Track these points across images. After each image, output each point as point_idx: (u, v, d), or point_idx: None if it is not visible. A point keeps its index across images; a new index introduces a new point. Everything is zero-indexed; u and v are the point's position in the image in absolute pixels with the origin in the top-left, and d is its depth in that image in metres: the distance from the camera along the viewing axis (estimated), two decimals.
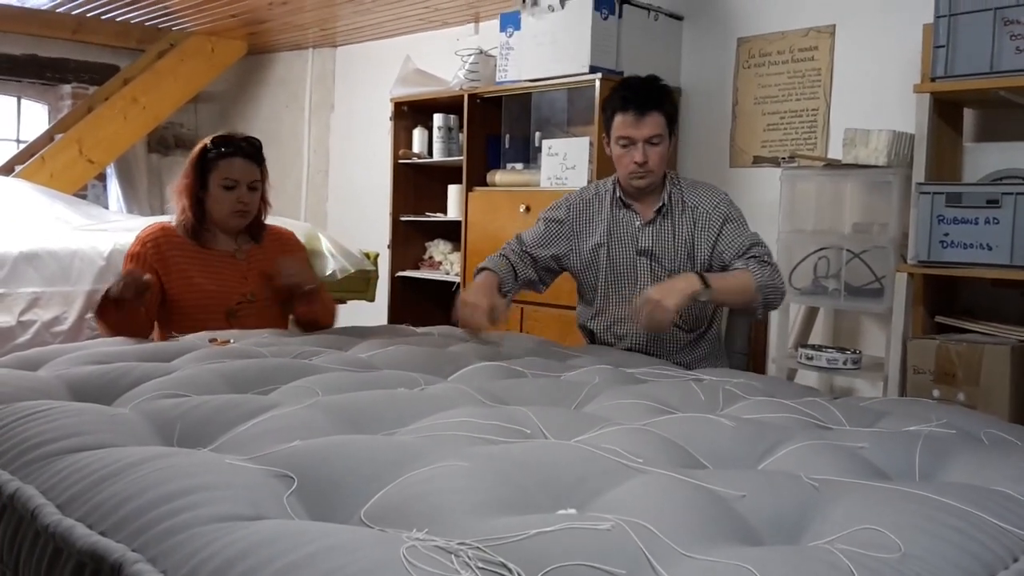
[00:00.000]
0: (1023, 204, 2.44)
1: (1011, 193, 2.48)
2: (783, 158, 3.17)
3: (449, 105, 4.12)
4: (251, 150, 2.50)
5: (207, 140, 2.50)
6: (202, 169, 2.45)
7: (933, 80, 2.65)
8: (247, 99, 5.96)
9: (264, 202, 2.57)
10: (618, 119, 2.32)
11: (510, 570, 0.83)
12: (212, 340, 2.08)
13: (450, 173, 4.16)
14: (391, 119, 4.33)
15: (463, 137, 3.98)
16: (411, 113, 4.33)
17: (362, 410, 1.38)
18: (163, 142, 6.13)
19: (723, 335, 2.58)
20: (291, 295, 2.49)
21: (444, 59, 4.30)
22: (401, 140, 4.32)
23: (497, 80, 3.82)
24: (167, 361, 1.82)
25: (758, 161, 3.38)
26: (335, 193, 5.49)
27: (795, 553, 0.90)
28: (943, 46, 2.59)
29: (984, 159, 2.81)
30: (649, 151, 2.30)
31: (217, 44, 5.51)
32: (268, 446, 1.17)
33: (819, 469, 1.19)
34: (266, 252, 2.55)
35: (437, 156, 4.21)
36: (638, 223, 2.40)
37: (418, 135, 4.30)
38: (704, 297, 2.15)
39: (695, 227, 2.37)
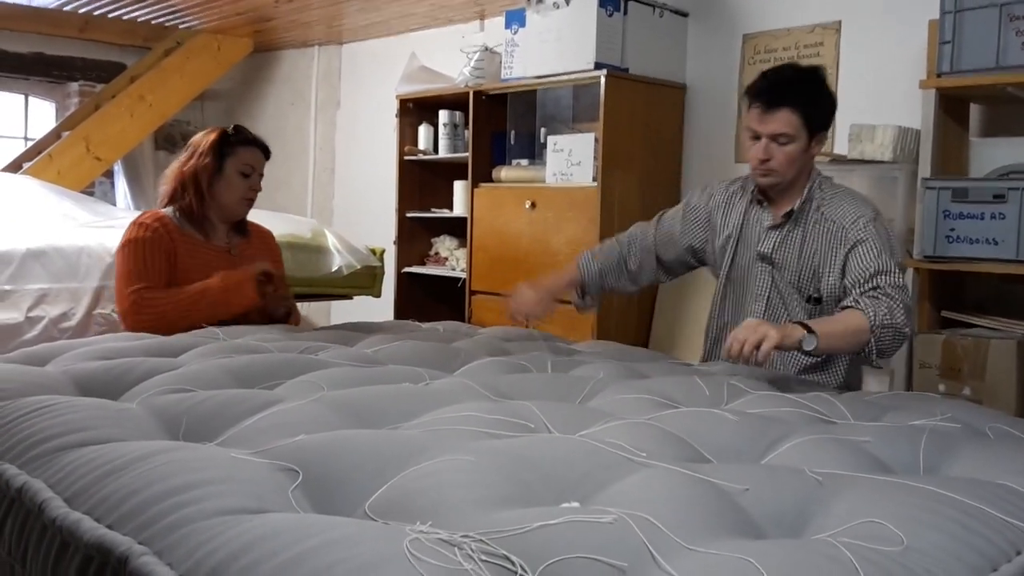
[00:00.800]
0: None
1: (1017, 188, 2.47)
2: None
3: (455, 102, 4.12)
4: (263, 144, 2.58)
5: (225, 128, 2.51)
6: (221, 153, 2.45)
7: (939, 76, 2.64)
8: (253, 97, 5.97)
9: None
10: (748, 111, 2.13)
11: (513, 563, 0.83)
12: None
13: (456, 170, 4.16)
14: (397, 116, 4.34)
15: (468, 134, 3.99)
16: (417, 110, 4.33)
17: (367, 405, 1.39)
18: (170, 139, 6.14)
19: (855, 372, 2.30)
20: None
21: (450, 56, 4.30)
22: (407, 137, 4.33)
23: (502, 77, 3.82)
24: (174, 356, 1.83)
25: None
26: (341, 190, 5.50)
27: (797, 546, 0.90)
28: (949, 42, 2.59)
29: (990, 154, 2.80)
30: (774, 149, 2.08)
31: (223, 42, 5.52)
32: (273, 440, 1.17)
33: (823, 463, 1.19)
34: (253, 247, 2.58)
35: (443, 153, 4.21)
36: (767, 223, 2.19)
37: (424, 132, 4.31)
38: (809, 347, 1.84)
39: (828, 244, 2.09)
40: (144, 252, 2.33)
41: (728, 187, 2.31)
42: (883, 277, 1.98)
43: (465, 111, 4.01)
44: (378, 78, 5.13)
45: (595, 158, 3.45)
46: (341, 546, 0.83)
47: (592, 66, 3.42)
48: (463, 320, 3.83)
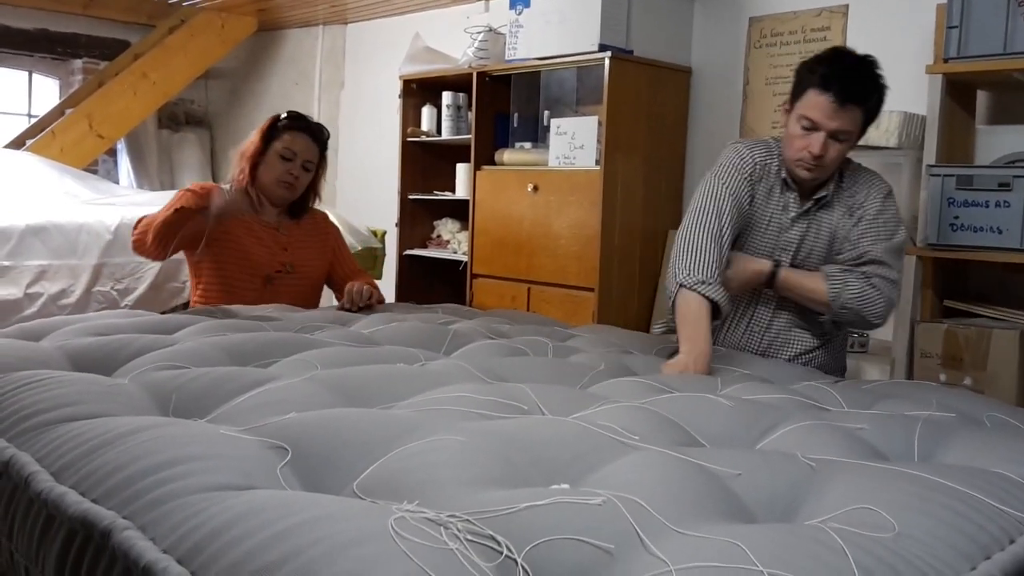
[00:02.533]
0: None
1: (1023, 176, 2.45)
2: None
3: (458, 83, 4.10)
4: (318, 132, 2.61)
5: (281, 113, 2.62)
6: (269, 136, 2.55)
7: (946, 61, 2.61)
8: (257, 76, 5.95)
9: (313, 191, 2.65)
10: (810, 96, 1.90)
11: (498, 543, 0.83)
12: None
13: (459, 152, 4.14)
14: (400, 97, 4.31)
15: (472, 115, 3.96)
16: (420, 91, 4.31)
17: (360, 384, 1.38)
18: (173, 118, 6.13)
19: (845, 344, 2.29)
20: (327, 269, 2.65)
21: (454, 37, 4.27)
22: (410, 118, 4.30)
23: (506, 58, 3.79)
24: (169, 333, 1.82)
25: None
26: (344, 171, 5.48)
27: (787, 531, 0.89)
28: (956, 27, 2.56)
29: (996, 142, 2.78)
30: (831, 146, 1.92)
31: (227, 20, 5.50)
32: (264, 418, 1.17)
33: (817, 449, 1.18)
34: (304, 231, 2.63)
35: (446, 134, 4.19)
36: (793, 212, 2.04)
37: (427, 113, 4.28)
38: (763, 280, 1.93)
39: (844, 219, 2.03)
40: (181, 197, 2.37)
41: (753, 157, 2.06)
42: (874, 267, 1.96)
43: (469, 92, 3.99)
44: (382, 59, 5.10)
45: (598, 141, 3.43)
46: (325, 523, 0.82)
47: (596, 48, 3.39)
48: (464, 303, 3.82)
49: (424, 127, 4.29)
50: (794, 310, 2.10)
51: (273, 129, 2.55)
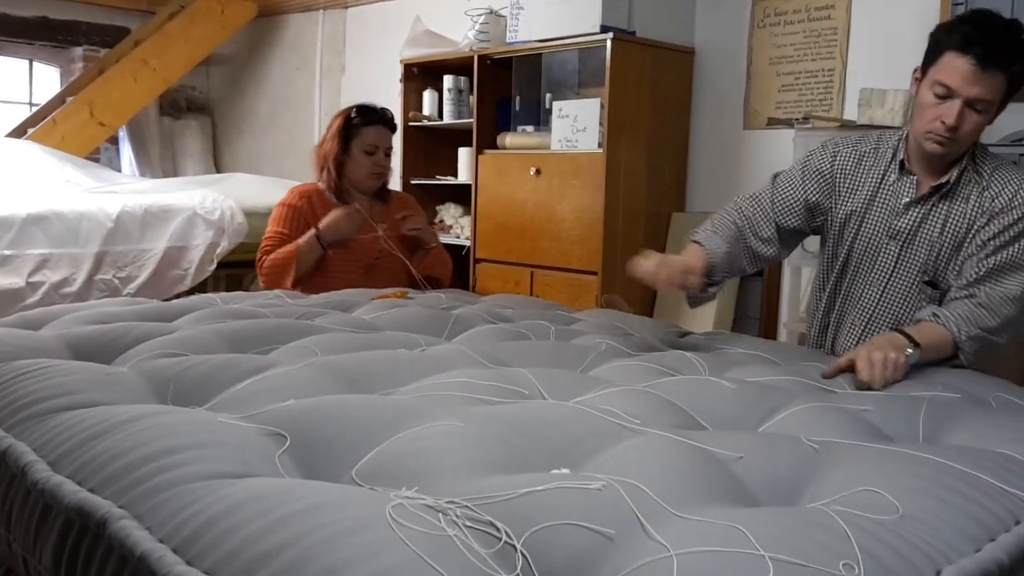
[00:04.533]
0: None
1: None
2: (797, 119, 3.11)
3: (459, 67, 4.07)
4: (390, 119, 2.78)
5: (350, 109, 2.75)
6: (346, 136, 2.70)
7: None
8: (258, 62, 5.92)
9: (390, 168, 2.81)
10: (948, 59, 1.70)
11: (498, 529, 0.82)
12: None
13: (460, 136, 4.12)
14: (401, 81, 4.29)
15: (473, 99, 3.94)
16: (421, 75, 4.28)
17: (360, 370, 1.37)
18: (175, 105, 6.11)
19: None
20: (415, 249, 2.78)
21: (454, 20, 4.24)
22: (411, 103, 4.28)
23: (507, 40, 3.76)
24: (169, 321, 1.82)
25: (772, 123, 3.33)
26: None
27: (790, 514, 0.88)
28: (961, 4, 2.53)
29: (1003, 120, 2.74)
30: (968, 116, 1.71)
31: (227, 6, 5.46)
32: (263, 405, 1.16)
33: (820, 432, 1.17)
34: (392, 213, 2.77)
35: (447, 119, 4.16)
36: (906, 198, 1.84)
37: (428, 97, 4.26)
38: (912, 361, 1.60)
39: (981, 214, 1.78)
40: (285, 216, 2.66)
41: (857, 147, 1.94)
42: (985, 285, 1.73)
43: (470, 76, 3.96)
44: (383, 43, 5.07)
45: (601, 124, 3.40)
46: (323, 511, 0.82)
47: (598, 29, 3.36)
48: (467, 288, 3.81)
49: (425, 111, 4.26)
50: (893, 320, 1.91)
51: (348, 127, 2.69)
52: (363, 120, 2.71)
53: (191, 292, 3.27)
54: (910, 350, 1.59)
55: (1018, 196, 1.76)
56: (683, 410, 1.28)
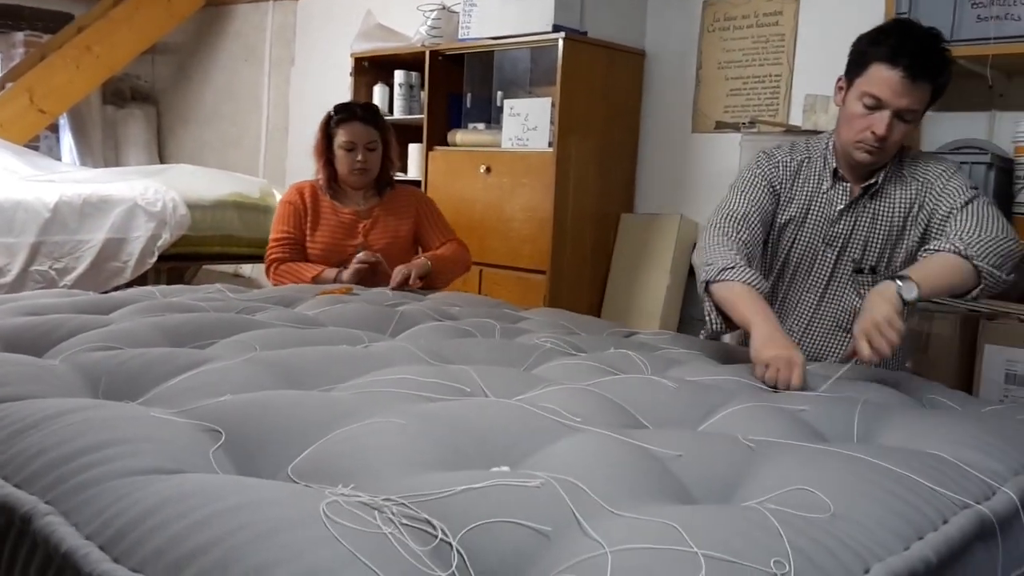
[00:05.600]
0: (979, 174, 2.45)
1: (968, 163, 2.48)
2: (744, 124, 3.15)
3: (411, 62, 4.04)
4: (366, 115, 2.82)
5: (331, 109, 2.84)
6: (328, 134, 2.80)
7: None
8: (205, 51, 5.82)
9: (389, 160, 2.87)
10: (876, 70, 1.74)
11: (434, 526, 0.81)
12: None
13: (411, 132, 4.09)
14: (351, 75, 4.25)
15: (424, 95, 3.92)
16: (372, 69, 4.24)
17: (299, 366, 1.35)
18: (119, 94, 5.98)
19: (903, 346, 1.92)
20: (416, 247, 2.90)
21: (406, 14, 4.21)
22: (361, 97, 4.24)
23: (459, 37, 3.74)
24: (105, 314, 1.77)
25: (720, 127, 3.36)
26: (295, 150, 5.39)
27: (724, 512, 0.89)
28: (904, 13, 2.58)
29: (942, 129, 2.81)
30: (896, 126, 1.76)
31: None
32: (198, 400, 1.14)
33: (758, 431, 1.18)
34: (388, 209, 2.85)
35: (398, 114, 4.13)
36: (840, 204, 1.90)
37: (379, 92, 4.22)
38: (910, 296, 1.56)
39: (914, 200, 1.85)
40: (287, 214, 2.78)
41: (793, 156, 1.97)
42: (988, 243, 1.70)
43: (421, 72, 3.94)
44: (333, 35, 5.02)
45: (551, 123, 3.41)
46: (254, 508, 0.80)
47: (550, 28, 3.36)
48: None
49: None
50: (835, 314, 1.96)
51: (328, 127, 2.79)
52: (339, 118, 2.79)
53: (131, 285, 3.20)
54: (901, 287, 1.56)
55: (951, 181, 1.82)
56: (624, 409, 1.29)
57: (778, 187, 1.93)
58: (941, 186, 1.83)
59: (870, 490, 0.96)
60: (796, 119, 3.18)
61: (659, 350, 1.87)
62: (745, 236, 1.83)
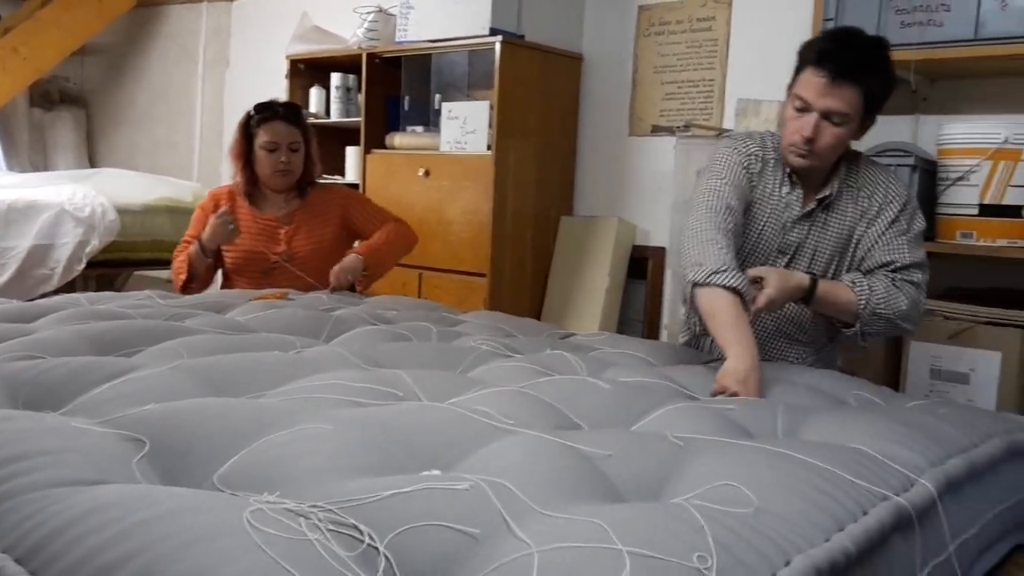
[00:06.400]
0: (903, 176, 2.52)
1: (892, 165, 2.55)
2: (679, 127, 3.20)
3: (347, 64, 4.01)
4: (289, 114, 2.72)
5: (250, 109, 2.73)
6: (248, 135, 2.68)
7: None
8: (137, 53, 5.69)
9: (312, 161, 2.78)
10: (806, 74, 1.77)
11: (361, 531, 0.81)
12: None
13: (348, 135, 4.06)
14: (287, 78, 4.20)
15: (361, 98, 3.89)
16: (308, 72, 4.20)
17: (228, 373, 1.33)
18: (47, 96, 5.81)
19: (836, 353, 2.15)
20: (352, 239, 2.85)
21: (343, 16, 4.18)
22: (298, 99, 4.19)
23: (397, 39, 3.73)
24: (29, 322, 1.73)
25: (656, 130, 3.41)
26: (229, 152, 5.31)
27: (650, 509, 0.90)
28: (831, 19, 2.65)
29: (872, 132, 2.88)
30: (823, 129, 1.76)
31: None
32: (122, 409, 1.11)
33: (687, 429, 1.20)
34: (310, 212, 2.75)
35: (335, 117, 4.10)
36: (796, 212, 1.90)
37: (315, 95, 4.18)
38: (801, 295, 1.75)
39: (860, 218, 1.88)
40: (196, 219, 2.69)
41: (763, 148, 1.94)
42: (910, 272, 1.82)
43: (358, 74, 3.91)
44: (269, 37, 4.95)
45: (490, 126, 3.41)
46: (176, 517, 0.79)
47: (487, 31, 3.37)
48: (353, 289, 3.75)
49: (312, 109, 4.18)
50: (777, 321, 1.99)
51: (248, 127, 2.68)
52: (260, 118, 2.68)
53: (58, 292, 3.11)
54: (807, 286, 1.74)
55: (890, 190, 1.87)
56: (559, 410, 1.30)
57: (752, 174, 1.91)
58: (878, 203, 1.87)
59: (793, 484, 0.98)
60: (729, 123, 3.23)
61: (595, 351, 1.89)
62: (731, 225, 1.82)
